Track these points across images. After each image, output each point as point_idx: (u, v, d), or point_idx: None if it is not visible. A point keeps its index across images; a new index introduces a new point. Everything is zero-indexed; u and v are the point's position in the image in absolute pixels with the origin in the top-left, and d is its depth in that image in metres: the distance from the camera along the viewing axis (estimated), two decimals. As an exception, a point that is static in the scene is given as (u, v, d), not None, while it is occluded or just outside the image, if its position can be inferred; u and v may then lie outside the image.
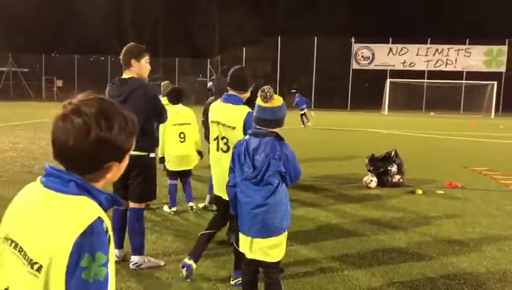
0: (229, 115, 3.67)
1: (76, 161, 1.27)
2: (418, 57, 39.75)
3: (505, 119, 31.16)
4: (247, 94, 3.83)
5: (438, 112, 36.27)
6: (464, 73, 39.39)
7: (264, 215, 3.02)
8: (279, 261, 3.15)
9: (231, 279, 3.89)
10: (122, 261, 4.28)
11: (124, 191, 4.04)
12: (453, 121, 28.16)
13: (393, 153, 8.26)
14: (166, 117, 4.36)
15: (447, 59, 39.50)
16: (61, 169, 1.29)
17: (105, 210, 1.29)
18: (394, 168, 8.03)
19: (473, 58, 39.13)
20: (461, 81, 38.60)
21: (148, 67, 4.13)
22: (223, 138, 3.70)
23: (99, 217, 1.22)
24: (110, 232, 1.25)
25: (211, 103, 4.64)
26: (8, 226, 1.30)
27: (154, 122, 4.27)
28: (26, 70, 43.32)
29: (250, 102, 3.75)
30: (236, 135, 3.56)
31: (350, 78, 41.17)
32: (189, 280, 3.83)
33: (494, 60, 39.10)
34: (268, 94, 2.93)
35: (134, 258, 4.14)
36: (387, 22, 41.41)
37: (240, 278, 3.53)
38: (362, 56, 40.67)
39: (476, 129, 21.95)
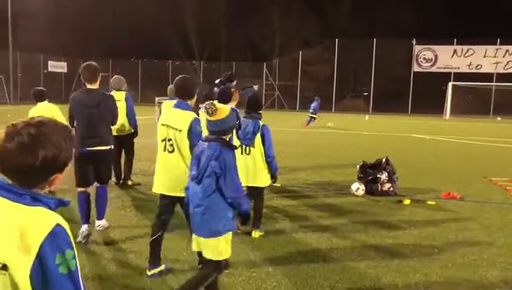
0: (177, 119, 4.02)
1: (23, 177, 1.49)
2: (486, 58, 37.26)
3: None
4: (194, 99, 4.24)
5: (507, 117, 33.74)
6: (538, 75, 36.32)
7: (201, 215, 3.30)
8: (219, 261, 3.37)
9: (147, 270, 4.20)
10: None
11: (92, 175, 5.26)
12: (517, 127, 26.10)
13: (384, 160, 7.93)
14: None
15: (518, 60, 36.68)
16: (12, 184, 1.50)
17: (53, 211, 1.53)
18: (384, 176, 7.70)
19: (548, 59, 35.99)
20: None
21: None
22: (169, 140, 4.04)
23: (57, 223, 1.45)
24: (69, 231, 1.50)
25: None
26: None
27: (111, 122, 5.46)
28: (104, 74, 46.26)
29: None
30: (182, 138, 3.95)
31: (411, 81, 39.56)
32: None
33: None
34: (210, 110, 3.28)
35: (100, 222, 5.48)
36: (451, 22, 39.16)
37: (156, 270, 4.13)
38: (424, 58, 38.91)
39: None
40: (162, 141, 4.09)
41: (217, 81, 7.36)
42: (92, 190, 5.38)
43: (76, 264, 1.47)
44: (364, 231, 5.77)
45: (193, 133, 3.92)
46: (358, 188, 7.62)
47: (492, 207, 7.14)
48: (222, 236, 3.32)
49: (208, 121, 3.34)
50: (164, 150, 4.09)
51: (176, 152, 4.01)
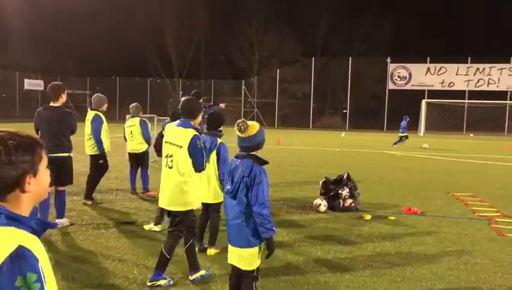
0: (179, 136, 4.33)
1: None
2: (458, 76, 38.23)
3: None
4: (198, 120, 4.55)
5: (479, 134, 34.56)
6: (509, 93, 37.39)
7: (238, 227, 3.45)
8: (253, 270, 3.49)
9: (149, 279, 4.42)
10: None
11: (52, 179, 5.54)
12: (486, 143, 26.71)
13: (345, 176, 8.03)
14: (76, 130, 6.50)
15: (489, 78, 37.71)
16: None
17: (39, 234, 1.48)
18: (345, 192, 7.80)
19: (517, 77, 37.11)
20: (505, 101, 36.63)
21: (66, 97, 6.35)
22: (170, 156, 4.34)
23: (20, 245, 1.38)
24: (38, 252, 1.43)
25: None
26: None
27: (69, 134, 6.36)
28: (80, 92, 45.93)
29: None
30: (182, 154, 4.26)
31: (386, 99, 40.28)
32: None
33: (540, 78, 36.89)
34: (243, 127, 3.42)
35: (61, 221, 6.31)
36: (425, 41, 40.28)
37: (156, 282, 4.34)
38: (398, 76, 39.72)
39: (505, 152, 20.73)
40: (165, 157, 4.42)
41: (183, 98, 7.42)
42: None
43: (40, 287, 1.38)
44: (320, 246, 5.82)
45: (194, 148, 4.24)
46: (320, 204, 7.69)
47: (450, 222, 7.27)
48: (257, 247, 3.45)
49: (240, 138, 3.49)
50: (166, 166, 4.41)
51: (174, 168, 4.31)
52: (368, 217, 7.33)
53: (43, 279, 1.40)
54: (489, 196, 9.43)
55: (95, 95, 8.06)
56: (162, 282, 4.38)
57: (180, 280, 4.57)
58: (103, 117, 7.71)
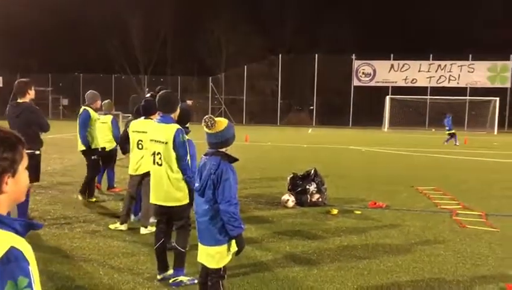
0: (162, 133, 4.37)
1: None
2: (420, 73, 39.31)
3: (507, 136, 30.40)
4: (177, 113, 4.54)
5: (441, 129, 35.58)
6: (468, 89, 38.72)
7: (206, 225, 3.42)
8: (220, 269, 3.46)
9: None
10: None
11: None
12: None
13: (312, 171, 8.12)
14: (48, 128, 6.32)
15: (450, 75, 38.94)
16: None
17: (23, 235, 1.38)
18: (313, 187, 7.88)
19: (476, 74, 38.49)
20: (464, 97, 37.91)
21: (34, 93, 6.28)
22: (158, 154, 4.39)
23: (11, 247, 1.30)
24: (29, 255, 1.34)
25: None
26: None
27: (38, 130, 6.19)
28: (42, 89, 44.49)
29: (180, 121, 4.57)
30: (168, 150, 4.32)
31: (352, 95, 40.96)
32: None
33: (498, 75, 38.35)
34: (209, 123, 3.38)
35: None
36: (388, 39, 41.13)
37: (180, 277, 4.34)
38: (363, 73, 40.46)
39: (465, 146, 21.47)
40: (152, 155, 4.46)
41: (148, 95, 7.34)
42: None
43: None
44: (288, 241, 5.86)
45: (178, 143, 4.29)
46: (288, 200, 7.74)
47: (414, 215, 7.47)
48: (225, 245, 3.41)
49: (208, 135, 3.45)
50: (154, 164, 4.45)
51: (164, 165, 4.35)
52: (335, 211, 7.43)
53: (33, 284, 1.32)
54: (451, 189, 9.73)
55: (89, 91, 8.13)
56: (183, 278, 4.37)
57: (147, 279, 4.50)
58: (91, 112, 7.75)
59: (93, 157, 7.80)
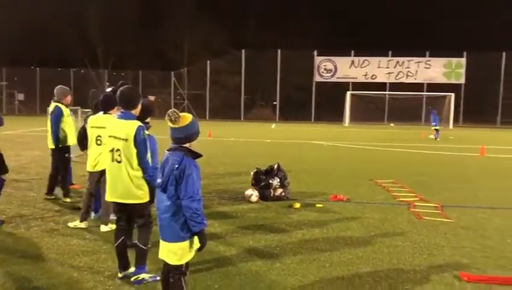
0: (122, 129, 4.26)
1: None
2: (380, 69, 40.24)
3: (461, 130, 31.62)
4: (138, 109, 4.43)
5: (399, 123, 36.69)
6: (425, 85, 39.99)
7: (168, 221, 3.38)
8: (182, 265, 3.45)
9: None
10: None
11: None
12: (405, 133, 28.41)
13: (275, 166, 8.19)
14: (2, 123, 6.29)
15: (407, 71, 40.07)
16: None
17: None
18: (276, 182, 7.94)
19: (433, 70, 39.77)
20: (422, 93, 39.15)
21: None
22: (117, 150, 4.28)
23: None
24: None
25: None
26: None
27: None
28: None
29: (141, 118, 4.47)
30: (129, 147, 4.24)
31: (313, 91, 41.47)
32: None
33: (453, 72, 39.79)
34: (173, 117, 3.33)
35: None
36: (349, 35, 41.93)
37: (142, 275, 4.28)
38: (325, 69, 41.01)
39: (422, 140, 22.19)
40: (110, 151, 4.35)
41: (109, 89, 7.19)
42: None
43: None
44: (252, 236, 5.89)
45: (139, 141, 4.22)
46: (251, 195, 7.77)
47: (373, 207, 7.66)
48: (187, 241, 3.38)
49: (172, 129, 3.40)
50: (112, 161, 4.34)
51: (124, 162, 4.27)
52: (297, 205, 7.52)
53: None
54: (409, 182, 10.04)
55: (58, 86, 7.78)
56: (145, 276, 4.31)
57: (108, 278, 4.42)
58: (64, 109, 7.52)
59: (66, 155, 7.58)
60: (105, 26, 44.99)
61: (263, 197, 7.86)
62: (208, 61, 43.67)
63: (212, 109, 44.58)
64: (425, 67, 39.90)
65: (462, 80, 39.64)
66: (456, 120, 37.53)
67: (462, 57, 39.40)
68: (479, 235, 6.15)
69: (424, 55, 40.01)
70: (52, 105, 7.56)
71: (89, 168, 6.07)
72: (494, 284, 4.48)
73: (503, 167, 13.21)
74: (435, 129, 23.12)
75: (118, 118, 4.39)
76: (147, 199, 4.39)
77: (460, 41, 38.12)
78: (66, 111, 7.58)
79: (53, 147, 7.51)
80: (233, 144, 18.67)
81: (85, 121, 6.84)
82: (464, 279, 4.57)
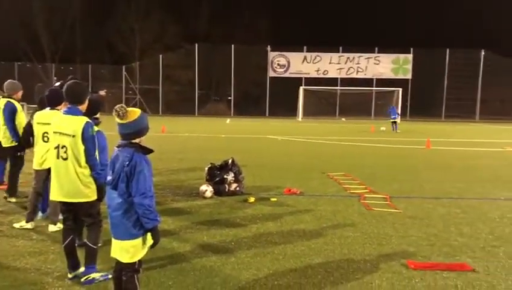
0: (69, 125, 4.13)
1: None
2: (331, 65, 41.13)
3: (408, 124, 32.85)
4: (85, 105, 4.33)
5: (350, 118, 37.65)
6: (374, 80, 41.22)
7: (120, 219, 3.31)
8: (135, 263, 3.38)
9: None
10: None
11: None
12: (356, 127, 29.20)
13: (230, 161, 8.20)
14: None
15: (358, 67, 41.18)
16: None
17: None
18: (230, 177, 7.96)
19: (381, 66, 41.10)
20: (371, 88, 40.33)
21: None
22: (63, 147, 4.14)
23: None
24: None
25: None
26: None
27: None
28: None
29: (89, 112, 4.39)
30: (76, 143, 4.11)
31: (267, 86, 41.77)
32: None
33: (400, 67, 41.27)
34: (121, 112, 3.25)
35: None
36: (302, 31, 42.52)
37: (92, 275, 4.18)
38: (278, 64, 41.41)
39: (372, 134, 22.88)
40: (55, 148, 4.20)
41: (57, 84, 6.92)
42: None
43: None
44: (206, 231, 5.88)
45: (86, 137, 4.11)
46: (206, 190, 7.74)
47: (325, 200, 7.84)
48: (140, 238, 3.34)
49: (119, 125, 3.31)
50: (58, 158, 4.19)
51: (70, 159, 4.13)
52: (252, 199, 7.57)
53: None
54: (359, 174, 10.34)
55: (8, 81, 7.37)
56: (96, 275, 4.20)
57: (57, 279, 4.28)
58: (17, 105, 7.16)
59: (19, 153, 7.17)
60: (51, 17, 43.20)
61: (218, 192, 7.85)
62: (161, 56, 42.94)
63: (166, 103, 44.00)
64: (375, 63, 41.14)
65: (409, 76, 41.18)
66: (403, 114, 38.92)
67: (409, 53, 40.90)
68: (425, 224, 6.44)
69: (373, 51, 41.21)
70: (3, 101, 7.19)
71: (36, 166, 5.83)
72: (438, 270, 4.71)
73: (447, 159, 13.87)
74: (393, 122, 24.27)
75: (65, 113, 4.26)
76: (94, 197, 4.27)
77: (408, 38, 39.62)
78: (19, 107, 7.23)
79: (12, 144, 7.11)
80: (187, 139, 18.50)
81: (31, 117, 6.56)
82: (410, 267, 4.77)
